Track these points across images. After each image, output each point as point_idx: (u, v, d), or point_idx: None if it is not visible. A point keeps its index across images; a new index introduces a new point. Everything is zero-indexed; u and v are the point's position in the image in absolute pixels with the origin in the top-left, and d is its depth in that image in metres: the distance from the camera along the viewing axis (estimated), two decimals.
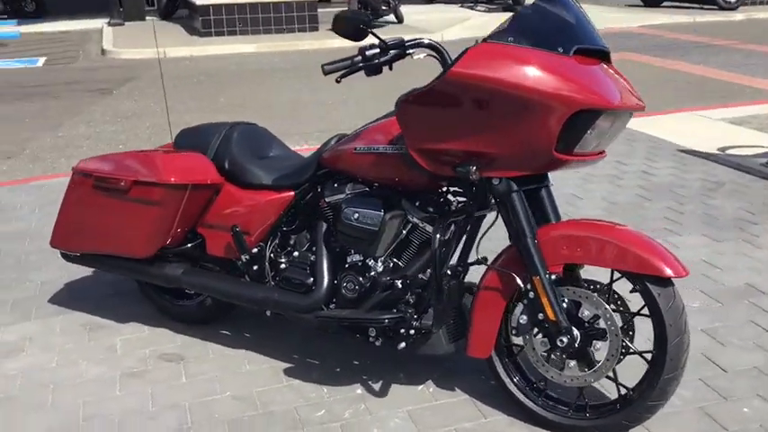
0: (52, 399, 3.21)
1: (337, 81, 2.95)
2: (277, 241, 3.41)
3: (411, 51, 2.91)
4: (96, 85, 11.28)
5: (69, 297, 4.14)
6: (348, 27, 2.83)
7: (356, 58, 2.88)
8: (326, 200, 3.21)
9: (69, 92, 10.84)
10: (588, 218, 3.37)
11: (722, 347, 3.46)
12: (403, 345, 3.04)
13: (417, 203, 3.04)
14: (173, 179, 3.35)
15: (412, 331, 3.02)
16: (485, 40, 2.70)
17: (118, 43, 14.86)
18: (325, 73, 2.94)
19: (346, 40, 2.92)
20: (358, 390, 3.21)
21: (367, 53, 2.88)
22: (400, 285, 3.01)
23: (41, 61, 13.72)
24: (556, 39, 2.62)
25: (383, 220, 2.98)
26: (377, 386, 3.23)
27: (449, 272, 3.00)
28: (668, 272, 2.62)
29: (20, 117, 9.30)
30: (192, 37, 15.59)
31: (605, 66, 2.73)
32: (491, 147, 2.67)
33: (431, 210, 3.03)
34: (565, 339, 2.75)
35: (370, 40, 2.88)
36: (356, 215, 3.04)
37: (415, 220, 3.03)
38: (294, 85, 10.79)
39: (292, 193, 3.31)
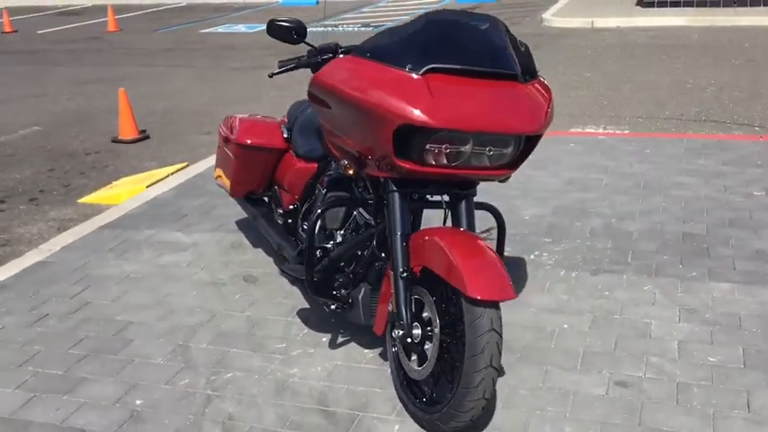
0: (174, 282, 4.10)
1: (270, 76, 3.35)
2: (307, 205, 3.87)
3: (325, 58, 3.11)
4: None
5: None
6: (281, 33, 3.14)
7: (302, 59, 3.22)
8: (324, 177, 3.60)
9: None
10: (466, 231, 3.05)
11: None
12: (333, 306, 3.31)
13: (360, 189, 3.28)
14: (239, 139, 4.02)
15: (341, 297, 3.27)
16: (350, 51, 2.86)
17: (562, 11, 15.35)
18: (270, 76, 3.38)
19: None
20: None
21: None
22: (347, 258, 3.30)
23: None
24: (408, 57, 2.67)
25: (340, 200, 3.31)
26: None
27: (376, 254, 3.19)
28: (472, 292, 2.54)
29: None
30: (633, 8, 15.32)
31: (482, 86, 2.67)
32: (355, 147, 2.86)
33: (367, 196, 3.23)
34: (398, 331, 2.82)
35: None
36: (328, 194, 3.41)
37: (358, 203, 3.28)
38: (677, 66, 10.22)
39: (315, 165, 3.74)
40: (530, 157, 2.91)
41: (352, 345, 3.41)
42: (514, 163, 2.85)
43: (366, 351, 3.36)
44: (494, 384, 2.60)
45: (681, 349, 3.25)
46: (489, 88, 2.68)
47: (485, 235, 2.95)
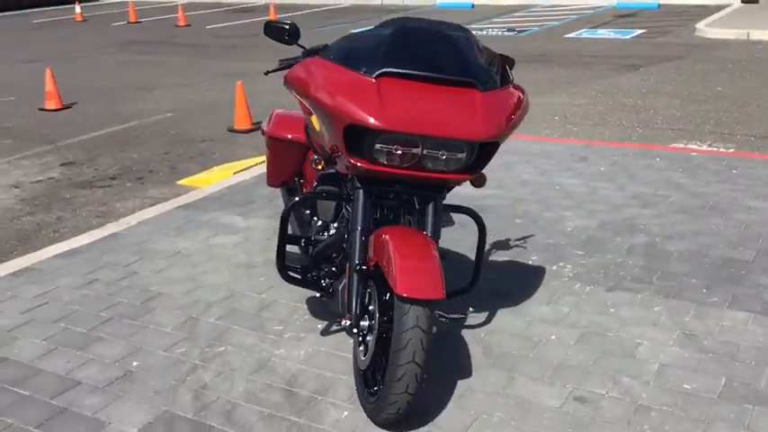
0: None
1: (265, 73, 3.53)
2: None
3: None
4: (631, 61, 11.66)
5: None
6: (276, 34, 3.32)
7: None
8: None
9: (601, 63, 11.50)
10: (418, 232, 3.01)
11: None
12: (318, 295, 3.47)
13: (347, 184, 3.41)
14: (269, 131, 4.24)
15: (324, 287, 3.40)
16: (319, 53, 3.01)
17: (718, 22, 14.58)
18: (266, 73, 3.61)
19: None
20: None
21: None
22: (334, 250, 3.45)
23: (636, 33, 14.45)
24: (365, 61, 2.81)
25: (316, 194, 3.42)
26: None
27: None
28: (400, 290, 2.62)
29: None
30: None
31: (435, 92, 2.76)
32: (323, 143, 3.02)
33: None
34: (346, 322, 2.95)
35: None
36: (318, 187, 3.56)
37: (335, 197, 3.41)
38: None
39: None
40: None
41: (343, 334, 3.53)
42: (473, 168, 2.87)
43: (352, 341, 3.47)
44: (418, 380, 2.64)
45: (659, 373, 3.14)
46: (442, 94, 2.74)
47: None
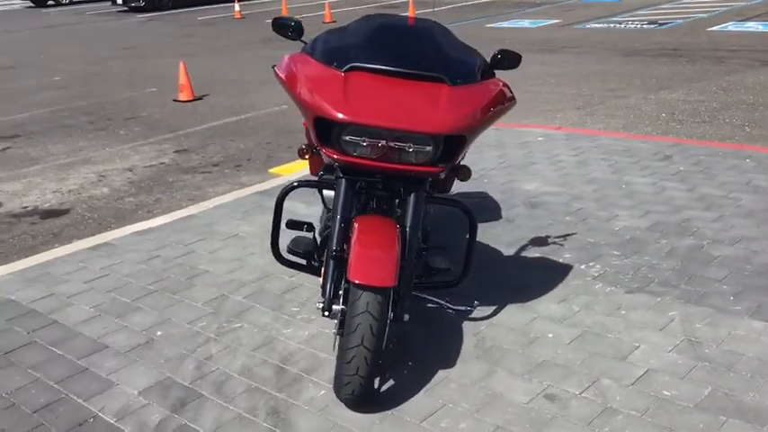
0: None
1: (273, 67, 3.67)
2: None
3: None
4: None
5: None
6: (281, 30, 3.48)
7: None
8: None
9: (737, 58, 10.85)
10: (387, 221, 3.04)
11: None
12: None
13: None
14: (304, 121, 4.40)
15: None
16: (303, 48, 3.15)
17: None
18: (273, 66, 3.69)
19: None
20: None
21: None
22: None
23: None
24: (337, 55, 2.93)
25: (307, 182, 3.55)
26: None
27: None
28: (351, 276, 2.73)
29: (633, 74, 10.05)
30: None
31: (401, 86, 2.84)
32: (308, 134, 3.18)
33: None
34: (319, 304, 3.08)
35: None
36: (324, 175, 3.71)
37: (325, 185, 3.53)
38: None
39: None
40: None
41: None
42: (444, 161, 2.91)
43: None
44: (368, 364, 2.73)
45: (644, 377, 3.05)
46: (408, 88, 2.80)
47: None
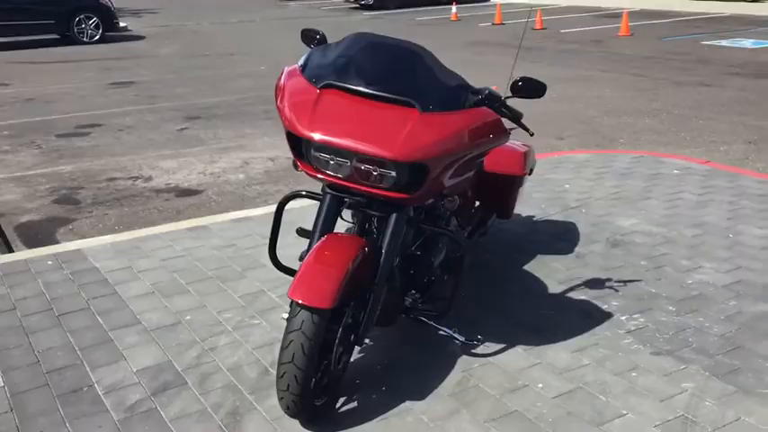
0: None
1: None
2: None
3: None
4: None
5: None
6: (306, 40, 3.51)
7: None
8: None
9: None
10: (347, 239, 2.94)
11: None
12: None
13: None
14: None
15: None
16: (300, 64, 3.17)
17: None
18: None
19: None
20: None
21: None
22: None
23: None
24: (317, 72, 2.95)
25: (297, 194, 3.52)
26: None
27: None
28: (291, 293, 2.73)
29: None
30: None
31: (369, 108, 2.81)
32: None
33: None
34: (285, 314, 3.13)
35: None
36: None
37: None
38: None
39: None
40: None
41: (379, 334, 3.61)
42: (413, 189, 2.82)
43: None
44: (298, 382, 2.72)
45: None
46: (377, 111, 2.75)
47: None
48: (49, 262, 4.57)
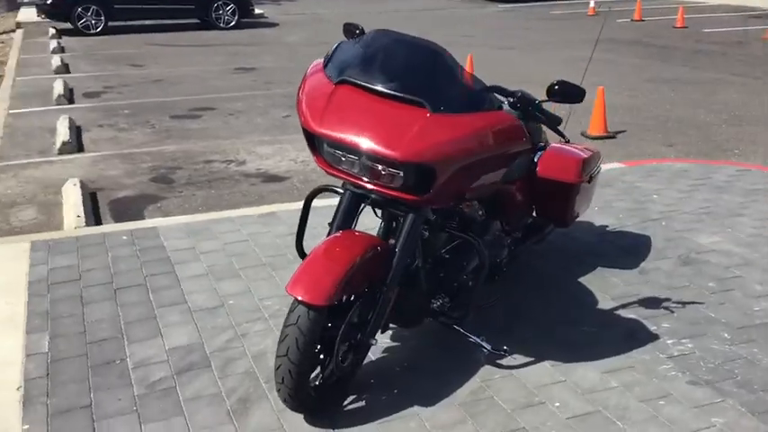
0: None
1: None
2: None
3: None
4: None
5: None
6: (347, 34, 3.48)
7: None
8: None
9: None
10: (353, 236, 2.92)
11: None
12: None
13: None
14: None
15: None
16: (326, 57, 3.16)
17: None
18: None
19: None
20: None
21: None
22: None
23: None
24: (336, 68, 2.94)
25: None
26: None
27: None
28: (289, 287, 2.75)
29: None
30: None
31: (381, 106, 2.79)
32: None
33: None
34: None
35: None
36: None
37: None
38: None
39: None
40: None
41: (408, 335, 3.61)
42: (422, 191, 2.77)
43: None
44: (293, 377, 2.74)
45: None
46: (389, 109, 2.72)
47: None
48: (124, 237, 4.81)
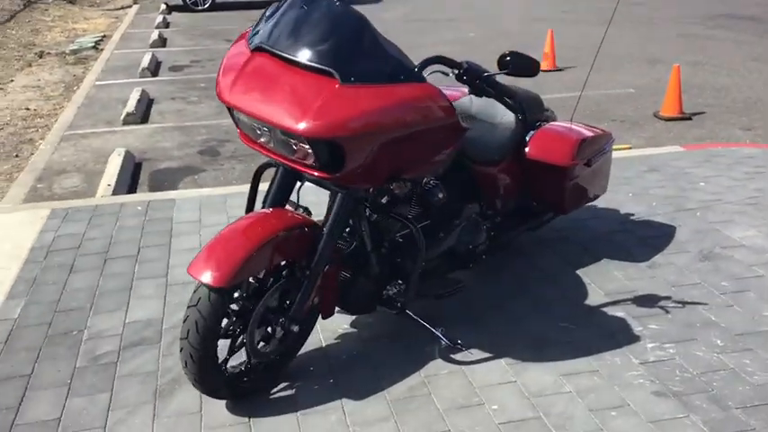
0: None
1: None
2: None
3: None
4: None
5: None
6: None
7: None
8: None
9: None
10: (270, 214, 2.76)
11: None
12: None
13: None
14: None
15: None
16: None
17: None
18: None
19: None
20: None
21: None
22: None
23: None
24: (255, 33, 2.77)
25: None
26: None
27: None
28: (189, 268, 2.63)
29: None
30: None
31: (289, 75, 2.60)
32: None
33: None
34: None
35: None
36: None
37: None
38: None
39: None
40: None
41: (369, 323, 3.41)
42: (338, 168, 2.56)
43: (356, 329, 3.37)
44: (194, 360, 2.61)
45: None
46: (296, 78, 2.53)
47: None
48: (138, 207, 4.83)
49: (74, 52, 11.77)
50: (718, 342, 3.14)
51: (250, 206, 3.23)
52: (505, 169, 3.50)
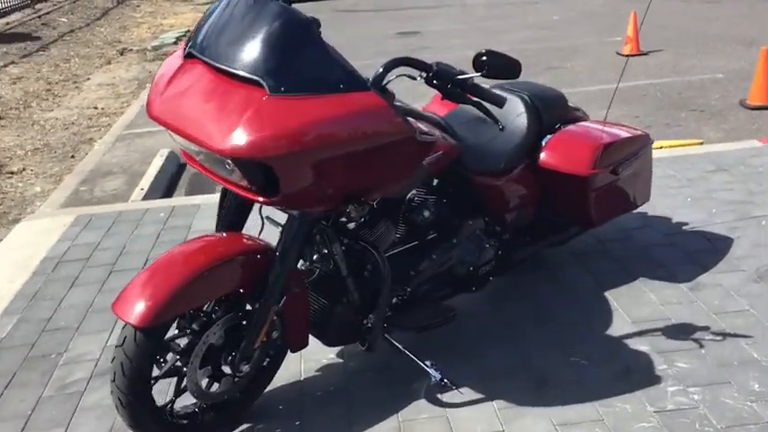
0: None
1: None
2: None
3: None
4: None
5: None
6: None
7: None
8: None
9: None
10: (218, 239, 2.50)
11: None
12: None
13: None
14: None
15: None
16: None
17: None
18: None
19: None
20: None
21: None
22: None
23: None
24: (191, 37, 2.47)
25: None
26: None
27: None
28: (113, 305, 2.39)
29: None
30: None
31: (217, 84, 2.29)
32: None
33: None
34: None
35: None
36: None
37: None
38: None
39: None
40: None
41: (357, 353, 3.10)
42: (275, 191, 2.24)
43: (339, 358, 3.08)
44: (123, 405, 2.37)
45: None
46: (224, 89, 2.22)
47: None
48: (161, 214, 4.67)
49: (155, 48, 11.87)
50: (756, 387, 2.64)
51: (220, 217, 2.96)
52: (515, 179, 3.08)
